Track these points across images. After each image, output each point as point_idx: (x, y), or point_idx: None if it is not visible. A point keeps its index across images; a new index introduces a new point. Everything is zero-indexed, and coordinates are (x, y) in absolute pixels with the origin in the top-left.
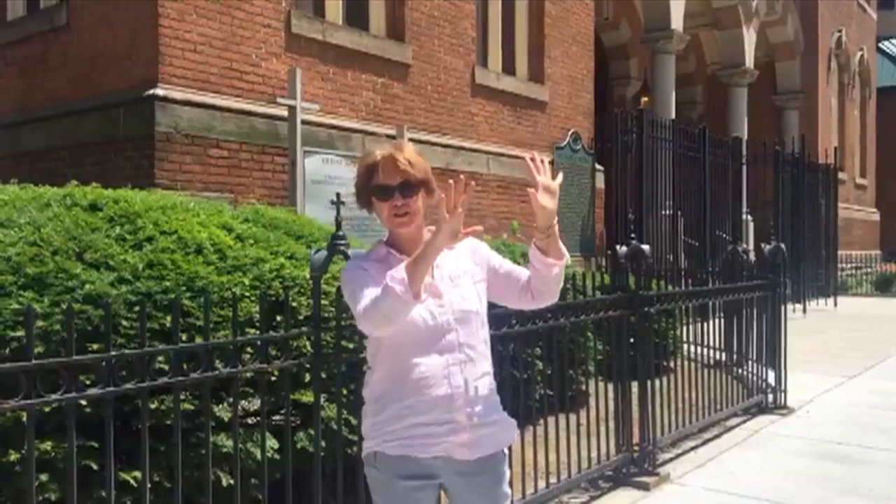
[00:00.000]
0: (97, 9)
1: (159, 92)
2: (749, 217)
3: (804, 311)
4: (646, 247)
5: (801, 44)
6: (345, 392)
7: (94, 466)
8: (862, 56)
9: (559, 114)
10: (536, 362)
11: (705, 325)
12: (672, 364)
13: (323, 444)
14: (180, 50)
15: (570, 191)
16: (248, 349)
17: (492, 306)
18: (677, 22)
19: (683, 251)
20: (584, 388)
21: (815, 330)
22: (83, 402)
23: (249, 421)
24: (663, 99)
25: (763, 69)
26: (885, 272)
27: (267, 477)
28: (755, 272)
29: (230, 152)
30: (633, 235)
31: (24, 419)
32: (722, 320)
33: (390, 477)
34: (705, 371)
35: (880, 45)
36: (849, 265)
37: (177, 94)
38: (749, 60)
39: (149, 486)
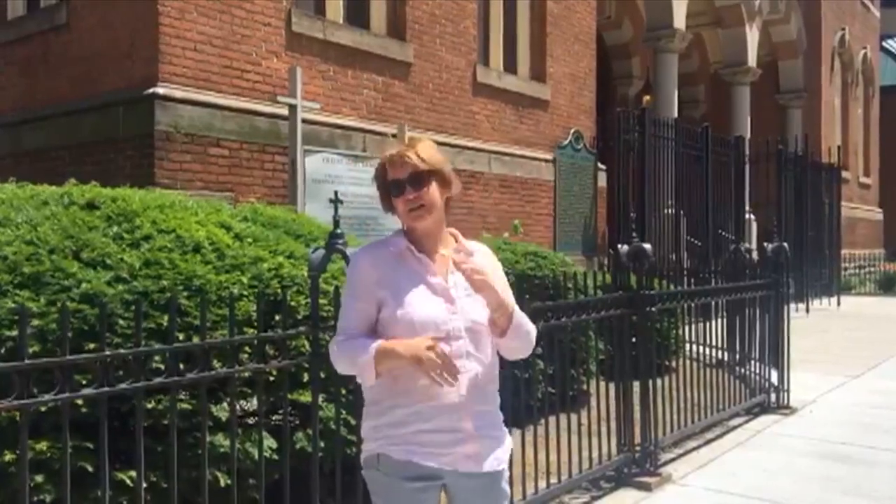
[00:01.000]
0: (97, 8)
1: (159, 91)
2: (752, 216)
3: (807, 310)
4: (647, 246)
5: (804, 42)
6: (343, 392)
7: (90, 468)
8: (865, 55)
9: (561, 113)
10: (537, 361)
11: (707, 324)
12: (674, 364)
13: (321, 444)
14: (181, 49)
15: (571, 190)
16: (246, 349)
17: None
18: (680, 20)
19: (686, 250)
20: (585, 387)
21: (817, 329)
22: (79, 402)
23: (249, 420)
24: (666, 98)
25: (766, 68)
26: (888, 271)
27: (265, 477)
28: (758, 271)
29: (231, 151)
30: (634, 234)
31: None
32: (724, 320)
33: (394, 478)
34: (707, 371)
35: (884, 43)
36: (852, 264)
37: (177, 93)
38: (752, 59)
39: (145, 486)
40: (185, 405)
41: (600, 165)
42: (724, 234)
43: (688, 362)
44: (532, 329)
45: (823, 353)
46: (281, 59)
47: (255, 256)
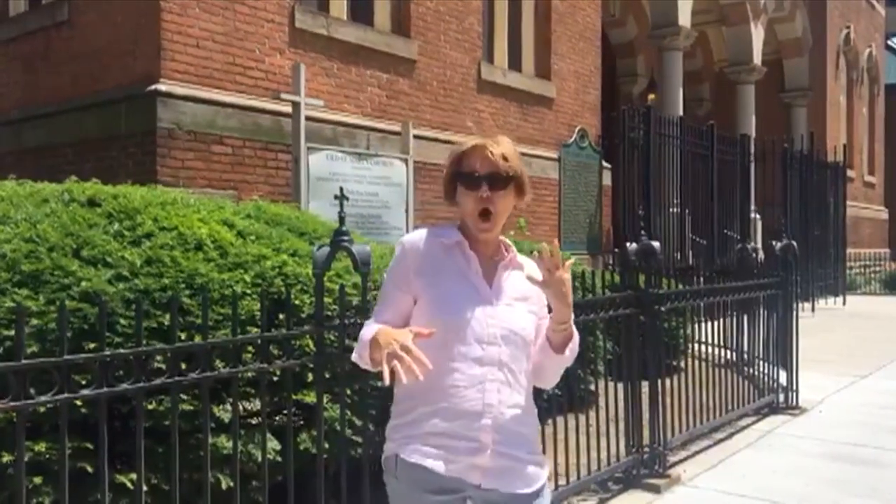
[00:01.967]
0: (99, 4)
1: (161, 88)
2: (757, 215)
3: (812, 309)
4: (656, 244)
5: (809, 40)
6: (349, 392)
7: (90, 469)
8: (870, 53)
9: (566, 110)
10: None
11: (714, 323)
12: (682, 363)
13: (326, 445)
14: (183, 45)
15: (576, 188)
16: (249, 348)
17: None
18: (685, 18)
19: (691, 249)
20: (593, 387)
21: (824, 329)
22: (78, 403)
23: (252, 421)
24: (671, 96)
25: (771, 66)
26: (894, 271)
27: (268, 479)
28: (768, 270)
29: (233, 149)
30: (643, 233)
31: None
32: (732, 319)
33: (413, 490)
34: (715, 371)
35: (889, 41)
36: (857, 264)
37: (179, 90)
38: (757, 57)
39: (145, 488)
40: (186, 406)
41: (605, 164)
42: (729, 232)
43: (696, 362)
44: (578, 349)
45: (831, 353)
46: (284, 55)
47: (258, 254)
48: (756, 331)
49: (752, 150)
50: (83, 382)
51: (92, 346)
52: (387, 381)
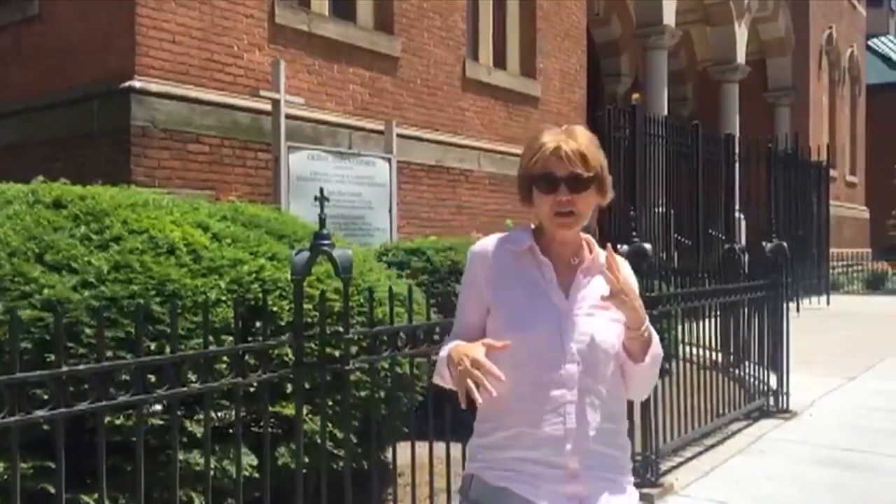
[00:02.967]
0: None
1: (136, 84)
2: (741, 215)
3: (798, 309)
4: (648, 246)
5: (792, 40)
6: (330, 403)
7: (52, 489)
8: (852, 53)
9: (551, 109)
10: None
11: (702, 325)
12: (671, 367)
13: (306, 459)
14: (158, 41)
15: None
16: (224, 359)
17: None
18: (669, 17)
19: (676, 249)
20: None
21: (810, 329)
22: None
23: (230, 431)
24: (655, 95)
25: (754, 66)
26: (876, 270)
27: (242, 497)
28: (759, 272)
29: (211, 148)
30: (634, 234)
31: None
32: (721, 321)
33: None
34: (705, 374)
35: (869, 42)
36: (840, 263)
37: (154, 87)
38: (741, 56)
39: None
40: (156, 420)
41: None
42: (713, 232)
43: (685, 366)
44: (661, 352)
45: (818, 354)
46: (264, 52)
47: (234, 258)
48: (746, 333)
49: (737, 150)
50: (45, 397)
51: (54, 358)
52: (463, 404)
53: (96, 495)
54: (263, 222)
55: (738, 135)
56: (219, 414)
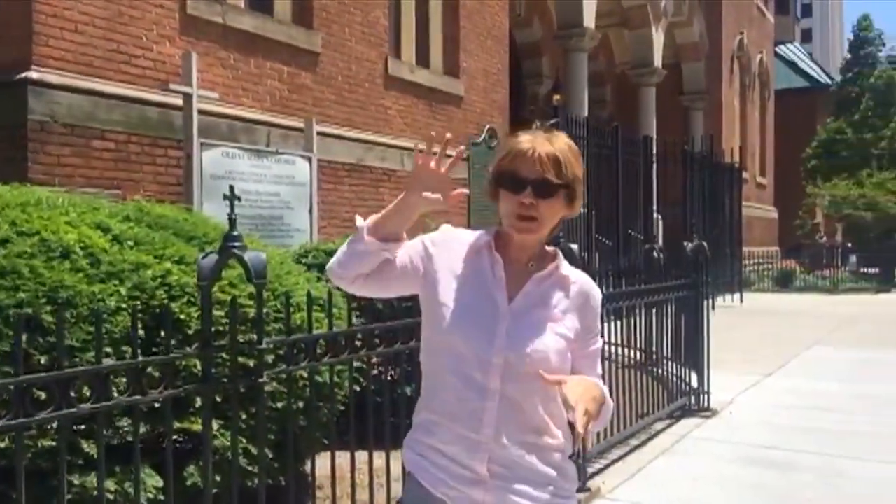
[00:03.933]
0: None
1: (33, 75)
2: (659, 215)
3: (713, 307)
4: (574, 246)
5: (706, 45)
6: (244, 416)
7: None
8: (761, 59)
9: (475, 109)
10: None
11: (622, 325)
12: None
13: (217, 478)
14: (59, 29)
15: (483, 188)
16: (122, 373)
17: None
18: (590, 20)
19: (597, 250)
20: None
21: (725, 327)
22: None
23: (138, 445)
24: (576, 97)
25: (670, 70)
26: (784, 268)
27: None
28: (681, 271)
29: (117, 144)
30: (561, 234)
31: None
32: (642, 321)
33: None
34: (628, 374)
35: (777, 49)
36: (751, 262)
37: (53, 79)
38: (657, 60)
39: None
40: (46, 442)
41: None
42: (633, 233)
43: (609, 366)
44: (611, 402)
45: (735, 352)
46: (175, 44)
47: (137, 262)
48: (668, 332)
49: (655, 152)
50: None
51: None
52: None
53: None
54: (171, 223)
55: (655, 136)
56: (120, 431)
